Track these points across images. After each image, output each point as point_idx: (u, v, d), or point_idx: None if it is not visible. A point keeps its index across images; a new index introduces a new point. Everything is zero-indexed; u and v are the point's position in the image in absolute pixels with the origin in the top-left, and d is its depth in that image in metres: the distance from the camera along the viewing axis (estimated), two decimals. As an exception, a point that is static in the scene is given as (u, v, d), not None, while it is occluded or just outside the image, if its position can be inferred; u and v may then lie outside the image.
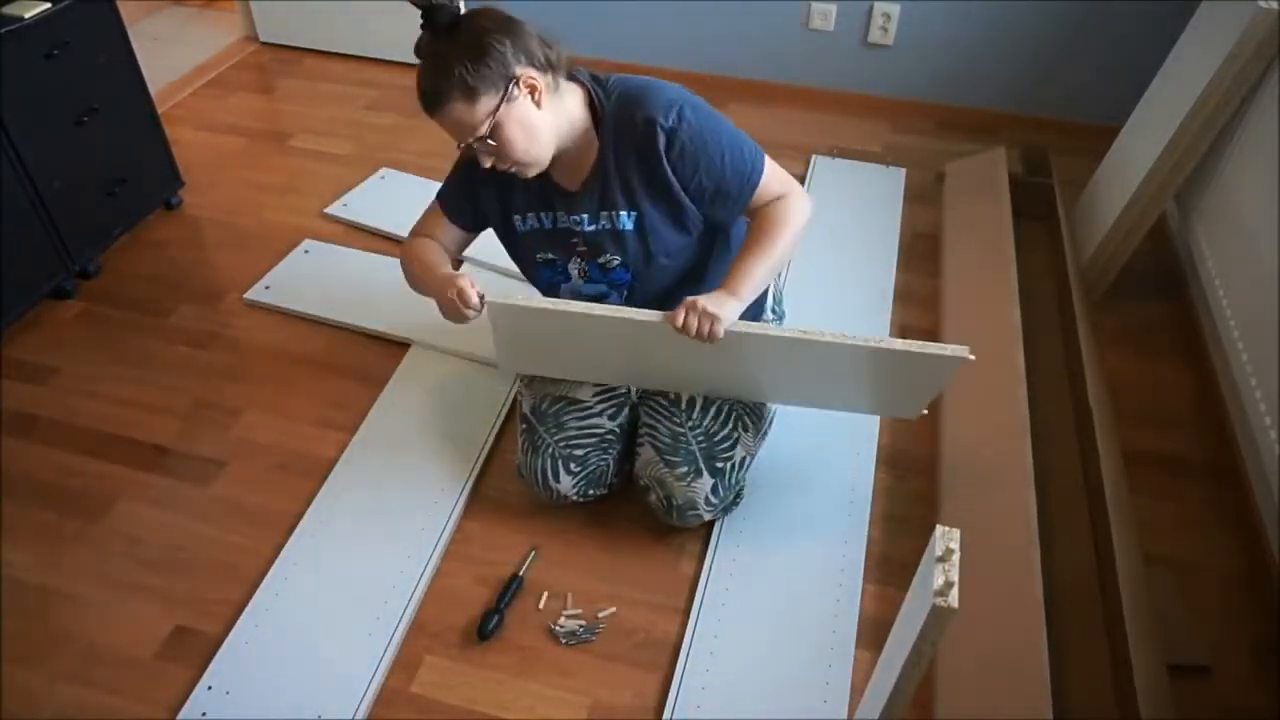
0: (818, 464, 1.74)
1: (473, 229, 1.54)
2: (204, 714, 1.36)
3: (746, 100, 2.94)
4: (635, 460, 1.59)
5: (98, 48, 2.09)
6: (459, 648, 1.47)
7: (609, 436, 1.57)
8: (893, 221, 2.39)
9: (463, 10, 1.25)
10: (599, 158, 1.37)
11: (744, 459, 1.55)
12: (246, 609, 1.49)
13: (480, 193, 1.46)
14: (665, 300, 1.43)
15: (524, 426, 1.62)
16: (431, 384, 1.91)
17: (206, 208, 2.46)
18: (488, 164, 1.32)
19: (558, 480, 1.55)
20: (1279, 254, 1.65)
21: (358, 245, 2.30)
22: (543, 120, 1.29)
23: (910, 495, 1.70)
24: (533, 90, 1.26)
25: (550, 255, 1.48)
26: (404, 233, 2.34)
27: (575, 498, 1.58)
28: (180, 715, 1.36)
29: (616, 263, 1.44)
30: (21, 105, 1.91)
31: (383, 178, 2.55)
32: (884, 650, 1.00)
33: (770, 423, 1.65)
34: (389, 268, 2.20)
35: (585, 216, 1.41)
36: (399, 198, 2.46)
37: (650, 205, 1.39)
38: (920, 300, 2.15)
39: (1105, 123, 2.52)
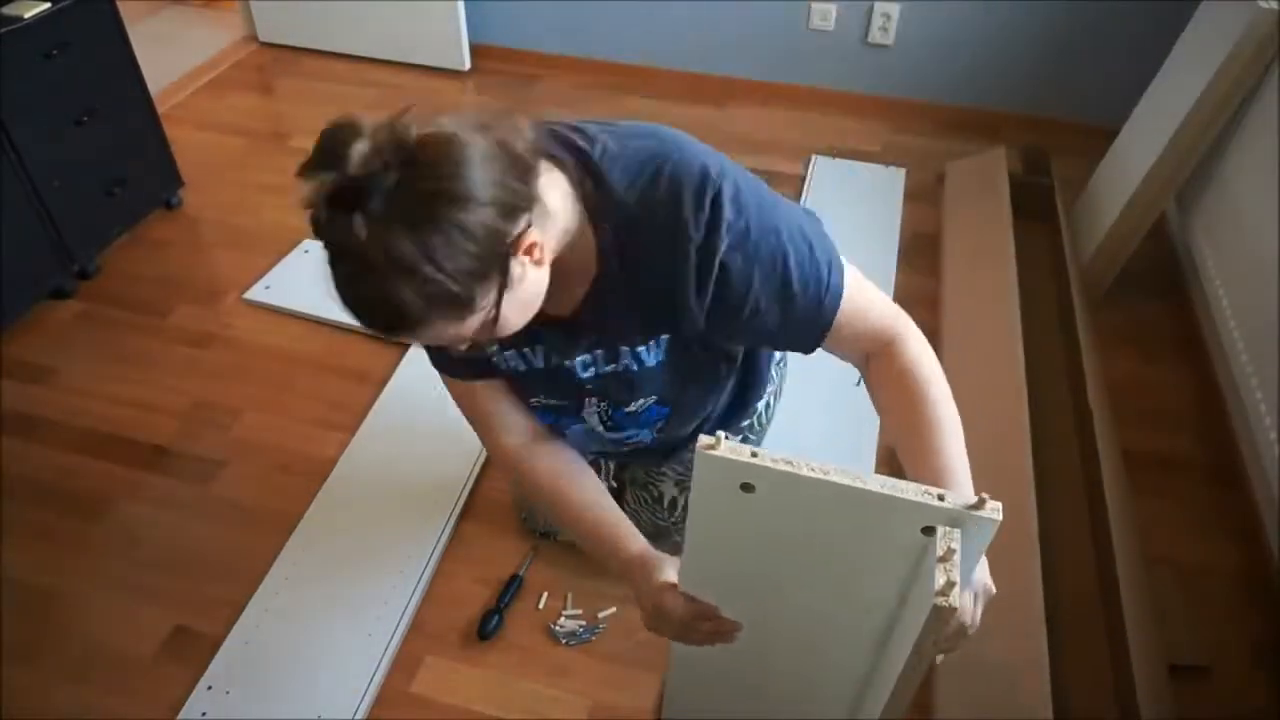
0: (818, 464, 1.73)
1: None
2: (204, 714, 1.36)
3: (746, 100, 2.94)
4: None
5: (98, 48, 2.09)
6: (459, 648, 1.46)
7: None
8: (893, 221, 2.39)
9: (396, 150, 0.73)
10: (600, 275, 0.92)
11: None
12: (246, 609, 1.49)
13: None
14: (704, 426, 1.14)
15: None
16: (431, 384, 1.90)
17: (206, 208, 2.45)
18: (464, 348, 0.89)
19: (553, 539, 1.59)
20: (1279, 254, 1.65)
21: (358, 245, 2.30)
22: (545, 275, 0.85)
23: (910, 495, 1.70)
24: (532, 250, 0.81)
25: (551, 400, 1.09)
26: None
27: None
28: (180, 715, 1.36)
29: (651, 402, 1.08)
30: (21, 105, 1.90)
31: (383, 178, 2.55)
32: (884, 650, 1.00)
33: None
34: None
35: (590, 358, 1.01)
36: (399, 198, 2.46)
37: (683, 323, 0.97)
38: (920, 300, 2.15)
39: (1105, 123, 2.51)
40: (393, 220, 0.71)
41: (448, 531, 1.62)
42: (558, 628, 1.49)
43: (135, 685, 1.41)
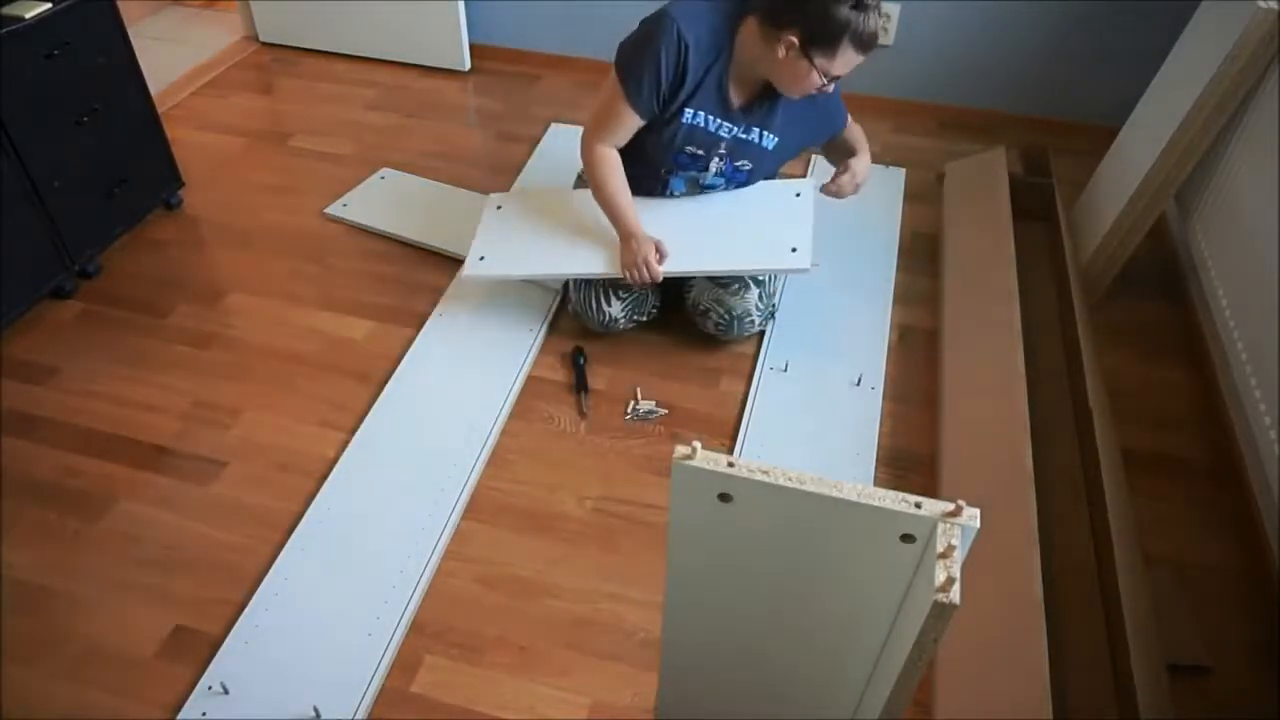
0: (817, 464, 1.74)
1: (647, 120, 1.77)
2: (204, 714, 1.36)
3: (746, 100, 2.94)
4: (688, 298, 1.94)
5: (98, 48, 2.09)
6: (459, 647, 1.47)
7: None
8: (893, 221, 2.39)
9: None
10: (774, 89, 1.71)
11: (770, 279, 1.99)
12: (246, 609, 1.49)
13: (670, 84, 1.70)
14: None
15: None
16: (430, 386, 1.91)
17: (206, 208, 2.46)
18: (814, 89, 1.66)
19: (609, 304, 1.90)
20: (1279, 254, 1.65)
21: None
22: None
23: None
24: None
25: (698, 151, 1.81)
26: (405, 233, 2.38)
27: (624, 322, 1.93)
28: (180, 715, 1.36)
29: (747, 169, 1.86)
30: (21, 105, 1.90)
31: (383, 178, 2.55)
32: (884, 647, 1.00)
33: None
34: (389, 268, 2.21)
35: (742, 128, 1.78)
36: (399, 198, 2.46)
37: (790, 137, 1.82)
38: (920, 300, 2.15)
39: (1105, 123, 2.52)
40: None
41: (448, 531, 1.62)
42: (632, 411, 1.81)
43: (135, 685, 1.41)
